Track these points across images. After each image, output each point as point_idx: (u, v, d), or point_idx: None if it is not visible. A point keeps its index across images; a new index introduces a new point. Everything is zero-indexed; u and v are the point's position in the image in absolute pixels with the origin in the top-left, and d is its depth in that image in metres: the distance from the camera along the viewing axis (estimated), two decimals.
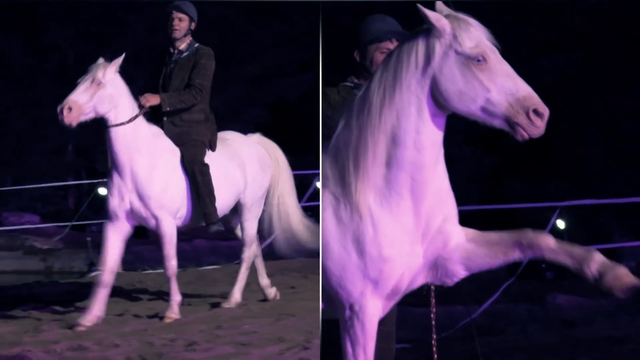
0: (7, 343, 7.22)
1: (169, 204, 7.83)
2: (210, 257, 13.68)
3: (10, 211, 18.85)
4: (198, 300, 8.89)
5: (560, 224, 17.08)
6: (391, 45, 5.34)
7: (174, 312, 7.90)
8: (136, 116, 7.73)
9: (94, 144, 17.58)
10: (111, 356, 6.91)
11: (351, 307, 4.64)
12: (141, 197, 7.69)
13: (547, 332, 10.01)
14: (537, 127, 4.33)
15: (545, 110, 4.32)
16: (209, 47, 8.29)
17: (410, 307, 5.45)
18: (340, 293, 4.64)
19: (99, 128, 7.82)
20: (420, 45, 4.49)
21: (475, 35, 4.42)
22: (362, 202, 4.57)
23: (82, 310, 8.16)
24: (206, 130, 8.19)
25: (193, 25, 8.29)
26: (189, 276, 11.12)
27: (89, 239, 13.55)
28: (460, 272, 4.76)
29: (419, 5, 4.43)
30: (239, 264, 8.63)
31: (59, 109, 7.24)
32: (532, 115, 4.32)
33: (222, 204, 8.16)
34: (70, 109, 7.27)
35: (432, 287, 5.07)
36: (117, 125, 7.62)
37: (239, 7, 18.60)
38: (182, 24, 8.21)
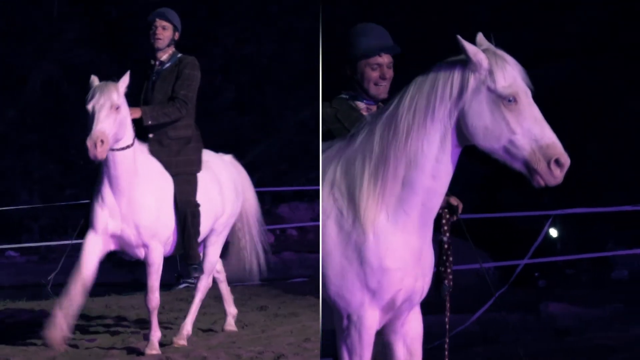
0: (94, 355, 7.25)
1: (161, 232, 7.36)
2: (298, 269, 13.65)
3: None
4: (286, 313, 8.86)
5: (553, 232, 16.90)
6: (380, 59, 5.34)
7: (154, 348, 7.40)
8: (135, 135, 7.24)
9: None
10: None
11: (349, 317, 4.66)
12: (136, 226, 7.22)
13: (541, 340, 9.99)
14: (555, 177, 4.35)
15: (566, 162, 4.34)
16: (193, 57, 7.80)
17: None
18: (338, 302, 4.68)
19: None
20: (455, 76, 4.49)
21: (510, 75, 4.43)
22: (369, 219, 4.60)
23: (169, 323, 8.16)
24: (194, 153, 7.70)
25: (177, 35, 7.80)
26: (278, 289, 11.13)
27: None
28: (399, 346, 4.93)
29: (459, 37, 4.44)
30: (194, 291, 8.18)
31: (89, 143, 6.70)
32: (552, 164, 4.32)
33: (202, 233, 7.74)
34: (102, 142, 6.73)
35: (449, 291, 5.17)
36: (123, 148, 7.10)
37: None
38: (165, 32, 7.72)
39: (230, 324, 8.30)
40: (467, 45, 4.44)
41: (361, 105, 5.39)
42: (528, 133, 4.36)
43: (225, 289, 8.46)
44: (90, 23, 18.83)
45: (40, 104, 18.79)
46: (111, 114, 6.84)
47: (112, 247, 7.35)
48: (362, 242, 4.60)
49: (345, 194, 4.69)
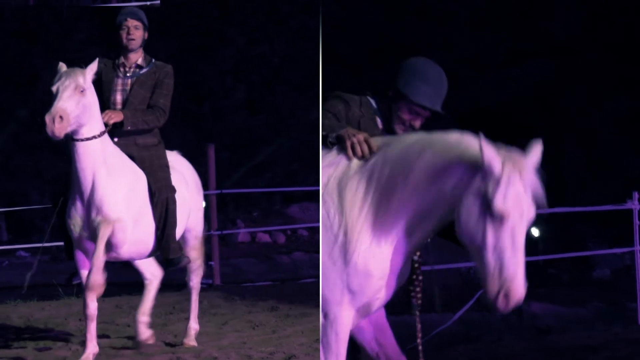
0: (105, 355, 7.24)
1: (126, 223, 6.94)
2: (309, 270, 13.65)
3: None
4: (297, 313, 8.85)
5: (535, 232, 16.89)
6: (422, 111, 5.30)
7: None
8: (105, 130, 6.91)
9: None
10: None
11: (326, 316, 4.75)
12: (98, 210, 6.82)
13: (523, 340, 10.03)
14: (499, 305, 4.35)
15: (514, 298, 4.33)
16: (170, 65, 7.51)
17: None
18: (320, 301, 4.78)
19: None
20: (471, 166, 4.51)
21: (513, 195, 4.36)
22: (356, 237, 4.71)
23: (183, 323, 8.15)
24: (162, 152, 7.44)
25: (146, 35, 7.49)
26: (289, 289, 11.15)
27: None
28: (371, 341, 5.09)
29: (481, 135, 4.42)
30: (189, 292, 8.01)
31: (47, 119, 6.39)
32: (502, 293, 4.32)
33: (179, 233, 7.43)
34: (61, 118, 6.41)
35: (418, 310, 5.24)
36: (88, 139, 6.72)
37: None
38: (137, 32, 7.37)
39: (144, 333, 7.71)
40: (486, 150, 4.40)
41: (379, 124, 5.39)
42: (498, 254, 4.35)
43: (151, 295, 7.91)
44: (100, 23, 18.87)
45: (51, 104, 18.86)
46: (75, 95, 6.56)
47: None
48: (348, 242, 4.72)
49: (336, 201, 4.78)
